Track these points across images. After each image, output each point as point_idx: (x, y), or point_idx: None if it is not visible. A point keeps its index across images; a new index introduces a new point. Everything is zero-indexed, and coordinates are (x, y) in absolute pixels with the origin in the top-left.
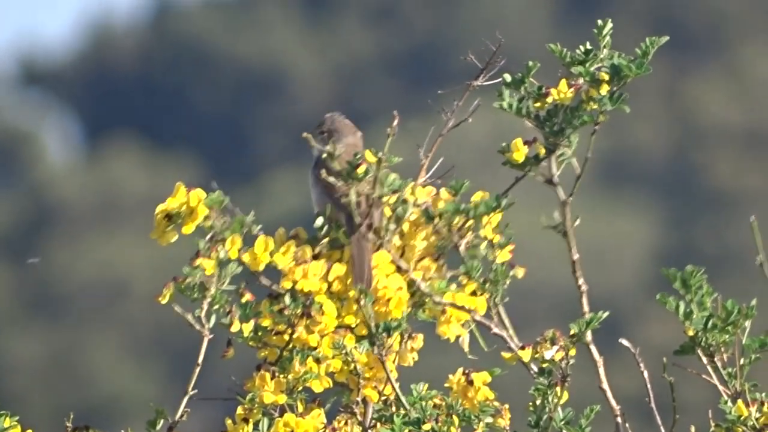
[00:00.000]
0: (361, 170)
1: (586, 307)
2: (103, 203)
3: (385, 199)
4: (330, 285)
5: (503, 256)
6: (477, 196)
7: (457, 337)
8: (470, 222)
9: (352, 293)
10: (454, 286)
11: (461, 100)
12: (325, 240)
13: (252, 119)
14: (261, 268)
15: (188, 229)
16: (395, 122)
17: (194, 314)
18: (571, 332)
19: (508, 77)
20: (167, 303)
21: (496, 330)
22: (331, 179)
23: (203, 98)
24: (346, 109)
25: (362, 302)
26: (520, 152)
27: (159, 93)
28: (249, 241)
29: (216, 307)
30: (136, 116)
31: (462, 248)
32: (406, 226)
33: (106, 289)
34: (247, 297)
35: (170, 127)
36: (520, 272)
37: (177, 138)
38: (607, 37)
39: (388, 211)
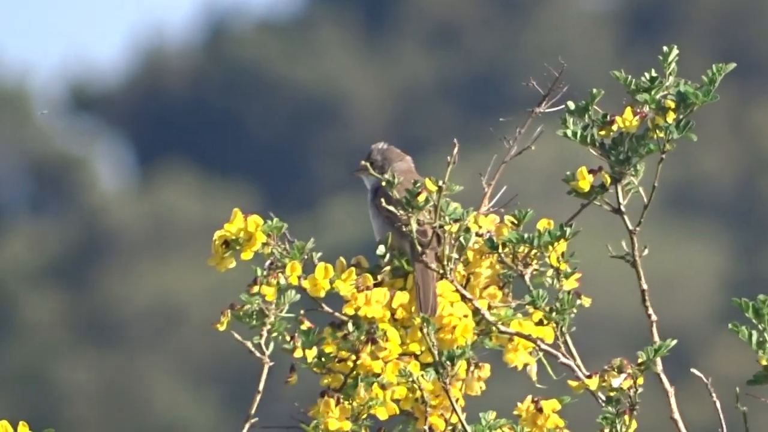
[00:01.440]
0: (421, 198)
1: (656, 338)
2: (156, 230)
3: (446, 227)
4: (393, 312)
5: (569, 284)
6: (542, 225)
7: (525, 366)
8: (535, 251)
9: (416, 320)
10: (520, 315)
11: (524, 128)
12: (388, 268)
13: (308, 146)
14: (322, 294)
15: (247, 255)
16: (455, 150)
17: (253, 341)
18: (639, 360)
19: (571, 105)
20: (225, 330)
21: (563, 359)
22: (391, 208)
23: (258, 124)
24: (403, 136)
25: (426, 330)
26: (585, 181)
27: (212, 118)
28: (308, 269)
29: (275, 334)
30: (189, 142)
31: (527, 277)
32: (470, 255)
33: (161, 316)
34: (307, 324)
35: (224, 153)
36: (586, 301)
37: (231, 165)
38: (673, 64)
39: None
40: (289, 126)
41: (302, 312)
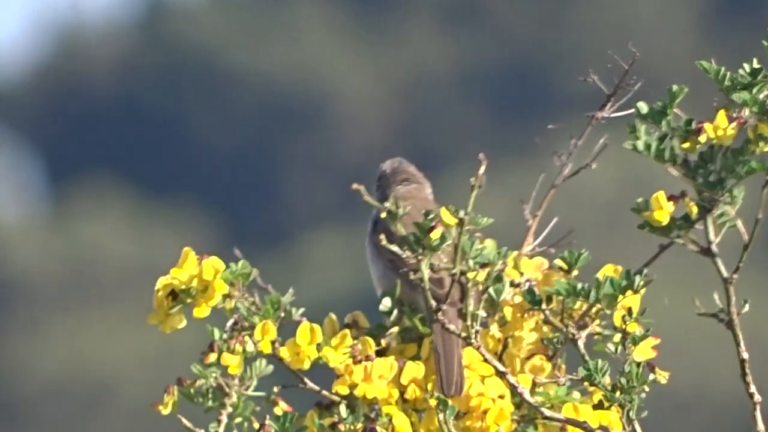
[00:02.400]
0: (435, 235)
1: (760, 425)
2: (73, 275)
3: (470, 275)
4: (403, 391)
5: (641, 353)
6: (605, 272)
7: None
8: (595, 307)
9: (433, 402)
10: (577, 395)
11: (581, 138)
12: (395, 329)
13: (281, 159)
14: (306, 365)
15: (201, 311)
16: (483, 167)
17: (208, 430)
18: None
19: (643, 107)
20: (170, 414)
21: None
22: (394, 248)
23: (212, 130)
24: (411, 147)
25: (445, 415)
26: (663, 211)
27: (149, 122)
28: (286, 331)
29: (239, 420)
30: (118, 154)
31: (581, 342)
32: (508, 312)
33: (79, 394)
34: (282, 407)
35: (166, 169)
36: (663, 376)
37: (176, 185)
38: None
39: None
40: (255, 133)
41: (276, 390)
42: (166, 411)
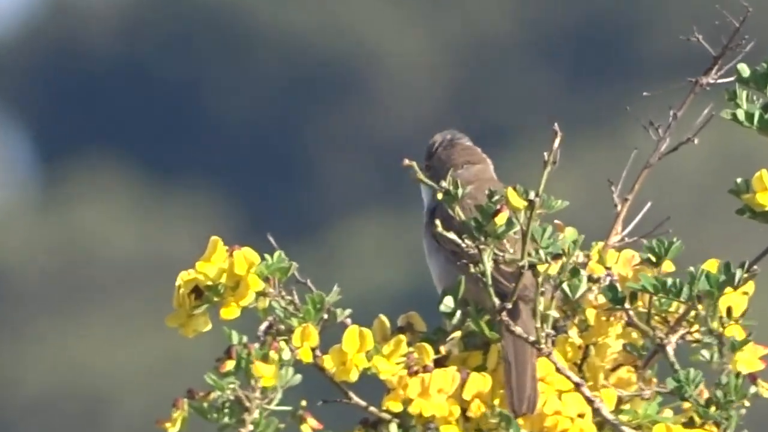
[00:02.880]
0: (500, 221)
1: None
2: (67, 267)
3: (541, 268)
4: (465, 408)
5: (746, 364)
6: (709, 266)
7: None
8: (693, 309)
9: (496, 419)
10: (670, 412)
11: (681, 108)
12: (458, 334)
13: (313, 136)
14: (353, 377)
15: (231, 312)
16: (557, 141)
17: None
18: None
19: (745, 70)
20: None
21: None
22: (452, 236)
23: (231, 101)
24: (467, 120)
25: None
26: (766, 193)
27: (158, 92)
28: (326, 336)
29: None
30: (121, 129)
31: (671, 348)
32: (590, 315)
33: (73, 405)
34: (311, 424)
35: (177, 146)
36: (766, 390)
37: (188, 164)
38: None
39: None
40: (282, 104)
41: (304, 404)
42: (174, 429)
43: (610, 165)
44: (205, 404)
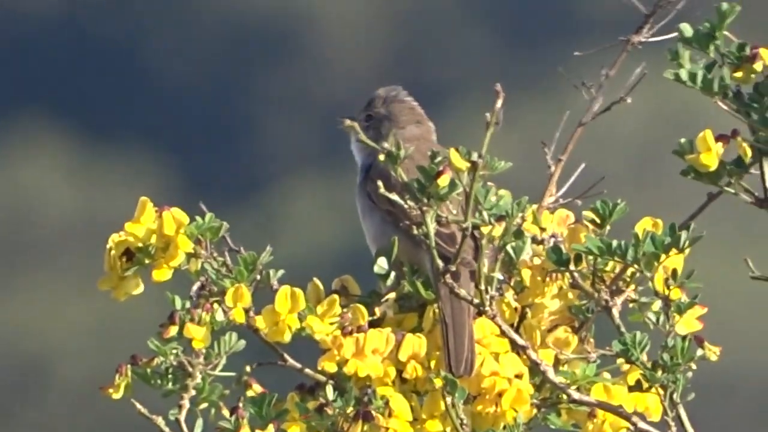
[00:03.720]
0: (443, 182)
1: None
2: (3, 228)
3: (485, 230)
4: (401, 369)
5: (687, 324)
6: (643, 226)
7: None
8: (630, 269)
9: (438, 383)
10: (607, 375)
11: (613, 67)
12: (392, 296)
13: (251, 96)
14: (286, 338)
15: (162, 274)
16: (499, 102)
17: (168, 416)
18: None
19: (687, 29)
20: (122, 398)
21: None
22: (394, 197)
23: (169, 59)
24: (407, 80)
25: (453, 398)
26: (711, 153)
27: (94, 49)
28: (261, 298)
29: (204, 405)
30: (57, 86)
31: (616, 311)
32: (526, 276)
33: (9, 373)
34: (256, 389)
35: (114, 104)
36: (713, 352)
37: (126, 123)
38: None
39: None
40: (220, 63)
41: (248, 368)
42: (117, 395)
43: (546, 126)
44: (149, 370)
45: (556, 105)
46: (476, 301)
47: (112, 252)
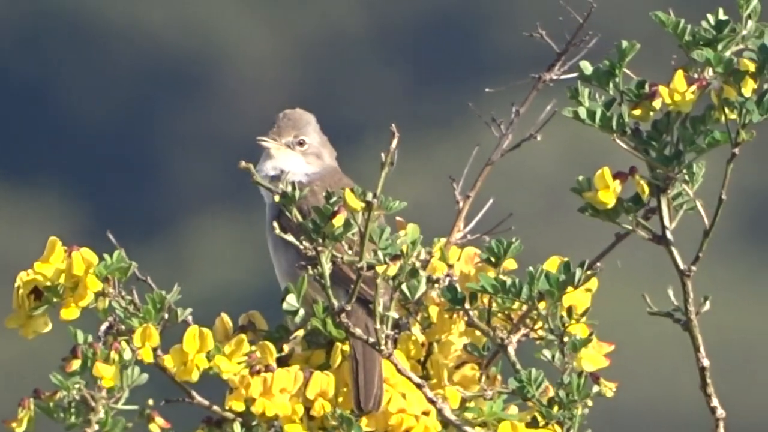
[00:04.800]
0: (337, 222)
1: None
2: None
3: (380, 269)
4: (309, 407)
5: (591, 361)
6: (551, 264)
7: None
8: (536, 308)
9: (335, 421)
10: (515, 410)
11: (524, 104)
12: (300, 333)
13: (161, 133)
14: (194, 377)
15: (70, 313)
16: (394, 141)
17: None
18: None
19: (587, 67)
20: None
21: None
22: (290, 238)
23: (79, 97)
24: (319, 120)
25: None
26: (608, 191)
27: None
28: (169, 335)
29: None
30: None
31: (511, 349)
32: (434, 313)
33: None
34: (159, 423)
35: (23, 142)
36: (609, 388)
37: (35, 161)
38: (754, 2)
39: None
40: (131, 100)
41: (150, 402)
42: (20, 429)
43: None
44: (52, 404)
45: (468, 141)
46: (372, 340)
47: (21, 291)
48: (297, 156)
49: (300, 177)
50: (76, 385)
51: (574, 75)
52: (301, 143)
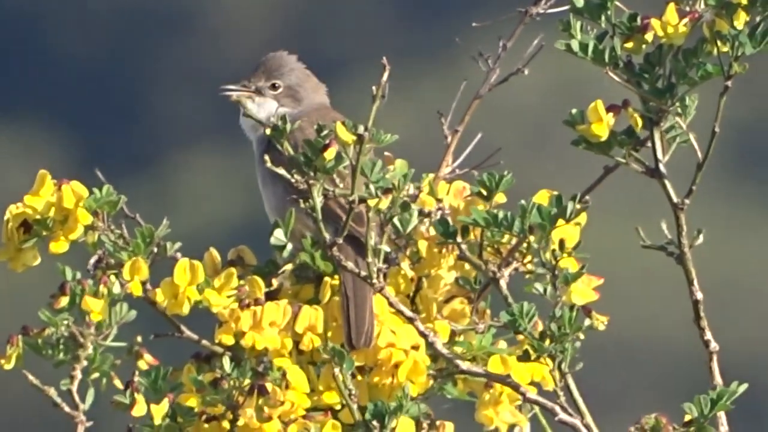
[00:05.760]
0: (329, 155)
1: (718, 378)
2: None
3: (371, 202)
4: (298, 341)
5: (580, 295)
6: (541, 197)
7: (511, 428)
8: (525, 241)
9: (328, 354)
10: (504, 345)
11: (511, 39)
12: (288, 267)
13: (146, 69)
14: (185, 310)
15: (60, 246)
16: (385, 74)
17: (60, 386)
18: (687, 417)
19: (580, 0)
20: (13, 369)
21: (563, 416)
22: (281, 171)
23: (64, 33)
24: (303, 52)
25: (341, 368)
26: (601, 124)
27: None
28: (158, 270)
29: (96, 375)
30: None
31: (503, 282)
32: (422, 247)
33: None
34: (147, 360)
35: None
36: (601, 322)
37: (20, 97)
38: None
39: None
40: (115, 36)
41: (139, 339)
42: (9, 365)
43: (444, 97)
44: (40, 341)
45: (456, 76)
46: (364, 273)
47: (10, 224)
48: (269, 101)
49: (274, 120)
50: (65, 322)
51: (561, 9)
52: (274, 86)
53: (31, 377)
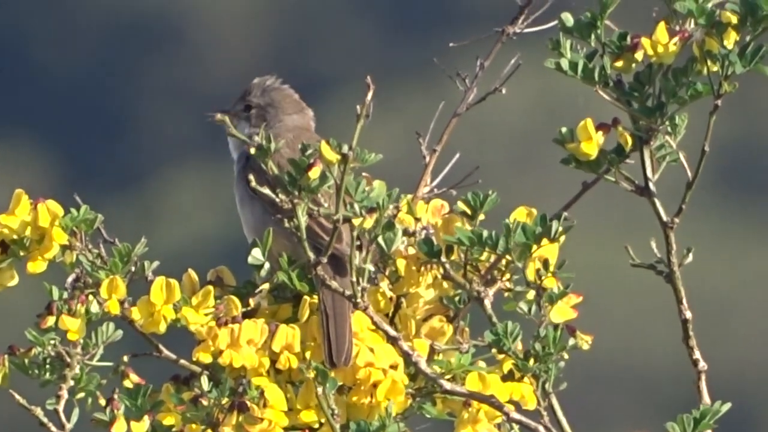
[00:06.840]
0: (313, 174)
1: (706, 397)
2: None
3: (356, 222)
4: (275, 359)
5: (560, 313)
6: (519, 215)
7: None
8: (504, 259)
9: (311, 374)
10: (483, 364)
11: (488, 58)
12: (266, 287)
13: (132, 88)
14: (161, 329)
15: (36, 266)
16: (370, 94)
17: (46, 406)
18: None
19: (568, 18)
20: (0, 388)
21: None
22: (266, 191)
23: (49, 50)
24: (288, 72)
25: (324, 388)
26: (591, 143)
27: None
28: (137, 289)
29: (81, 395)
30: None
31: (488, 302)
32: (401, 266)
33: None
34: (133, 379)
35: None
36: (585, 341)
37: (5, 116)
38: None
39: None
40: (100, 54)
41: (125, 359)
42: None
43: (425, 117)
44: (26, 360)
45: (436, 96)
46: (348, 292)
47: None
48: (242, 122)
49: (258, 140)
50: (51, 342)
51: (537, 29)
52: (247, 108)
53: (18, 397)
